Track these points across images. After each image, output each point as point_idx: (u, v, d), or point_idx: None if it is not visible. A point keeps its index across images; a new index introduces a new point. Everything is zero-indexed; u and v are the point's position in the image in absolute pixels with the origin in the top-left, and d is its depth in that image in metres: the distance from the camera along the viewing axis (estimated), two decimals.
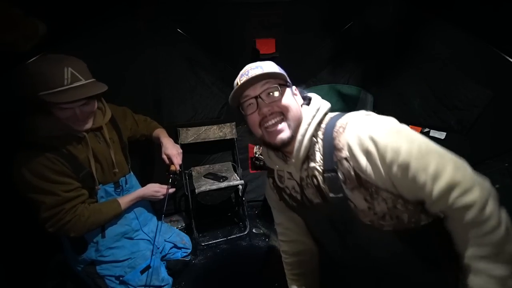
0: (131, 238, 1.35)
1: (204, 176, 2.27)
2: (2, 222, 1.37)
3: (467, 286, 0.65)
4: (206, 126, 2.33)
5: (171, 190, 1.40)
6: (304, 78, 2.42)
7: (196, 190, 2.00)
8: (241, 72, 0.88)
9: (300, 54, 2.30)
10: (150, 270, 1.30)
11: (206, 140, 2.34)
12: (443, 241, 0.77)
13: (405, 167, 0.65)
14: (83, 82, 1.01)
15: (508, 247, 0.60)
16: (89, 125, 1.11)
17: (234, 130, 2.40)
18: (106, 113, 1.24)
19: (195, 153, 2.41)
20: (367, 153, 0.70)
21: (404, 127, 0.72)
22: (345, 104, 2.41)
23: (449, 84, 1.71)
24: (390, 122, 0.74)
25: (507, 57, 1.39)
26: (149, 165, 2.20)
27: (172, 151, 1.44)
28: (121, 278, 1.26)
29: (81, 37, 1.60)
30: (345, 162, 0.75)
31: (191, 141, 2.29)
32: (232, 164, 2.46)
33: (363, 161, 0.71)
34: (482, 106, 1.53)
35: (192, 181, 2.21)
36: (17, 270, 1.44)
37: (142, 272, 1.28)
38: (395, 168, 0.67)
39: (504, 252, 0.60)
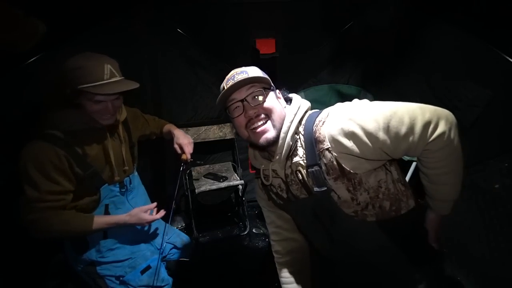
0: (131, 239, 1.34)
1: (204, 176, 2.27)
2: (2, 222, 1.37)
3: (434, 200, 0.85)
4: (206, 126, 2.33)
5: (160, 215, 1.30)
6: (304, 78, 2.42)
7: (196, 190, 2.00)
8: (227, 77, 0.93)
9: (300, 54, 2.30)
10: (150, 270, 1.30)
11: (206, 140, 2.34)
12: (421, 233, 0.89)
13: (388, 129, 0.74)
14: (118, 78, 1.10)
15: (461, 161, 0.80)
16: (113, 119, 1.18)
17: (234, 130, 2.40)
18: (122, 111, 1.29)
19: (195, 153, 2.39)
20: (352, 134, 0.76)
21: (366, 100, 0.83)
22: None
23: (449, 84, 1.71)
24: (355, 102, 0.84)
25: (507, 57, 1.39)
26: (155, 166, 2.21)
27: (184, 140, 1.47)
28: (121, 278, 1.26)
29: (81, 37, 1.60)
30: (327, 153, 0.81)
31: None
32: (232, 164, 2.46)
33: (348, 143, 0.77)
34: (482, 106, 1.53)
35: (192, 181, 2.21)
36: (18, 270, 1.44)
37: (143, 272, 1.28)
38: (381, 135, 0.74)
39: (457, 161, 0.79)
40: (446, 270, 0.96)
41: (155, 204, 1.30)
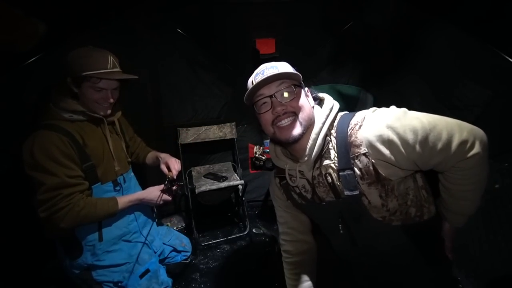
0: (128, 241, 1.32)
1: (204, 176, 2.27)
2: None
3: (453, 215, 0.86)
4: (206, 126, 2.33)
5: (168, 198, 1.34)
6: (304, 78, 2.41)
7: (196, 190, 2.00)
8: (256, 71, 0.89)
9: (300, 54, 2.30)
10: (150, 273, 1.28)
11: (206, 140, 2.34)
12: (438, 237, 0.92)
13: (425, 142, 0.74)
14: (118, 69, 1.21)
15: (485, 180, 0.81)
16: (110, 109, 1.25)
17: (234, 130, 2.40)
18: (119, 110, 1.36)
19: (195, 153, 2.41)
20: (389, 143, 0.75)
21: (405, 109, 0.80)
22: (345, 104, 2.40)
23: (449, 84, 1.71)
24: (394, 109, 0.81)
25: (507, 57, 1.39)
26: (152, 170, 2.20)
27: (170, 159, 1.46)
28: (119, 284, 1.23)
29: (81, 37, 1.60)
30: (363, 158, 0.79)
31: (191, 141, 2.29)
32: (232, 164, 2.46)
33: (386, 151, 0.76)
34: (482, 106, 1.53)
35: (192, 181, 2.21)
36: (11, 278, 1.41)
37: (141, 276, 1.26)
38: (418, 147, 0.74)
39: (483, 180, 0.81)
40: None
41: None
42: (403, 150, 0.75)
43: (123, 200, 1.23)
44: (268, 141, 2.47)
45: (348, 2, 2.17)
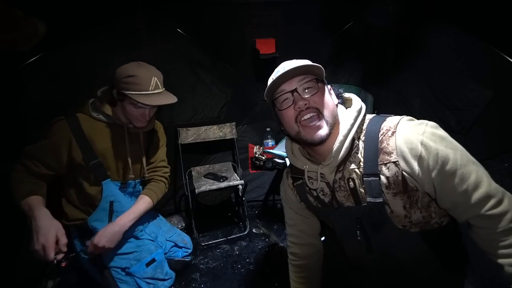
0: (136, 237, 1.38)
1: (204, 176, 2.27)
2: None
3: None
4: (206, 126, 2.33)
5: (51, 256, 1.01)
6: None
7: (196, 190, 2.00)
8: (276, 69, 0.86)
9: (300, 54, 2.28)
10: (155, 263, 1.32)
11: (206, 140, 2.34)
12: (457, 243, 0.88)
13: (450, 175, 0.70)
14: (160, 90, 1.23)
15: None
16: (146, 123, 1.29)
17: (234, 130, 2.40)
18: (151, 124, 1.38)
19: (195, 153, 2.41)
20: (419, 159, 0.72)
21: (446, 134, 0.75)
22: None
23: (449, 84, 1.71)
24: (435, 128, 0.75)
25: (507, 57, 1.39)
26: None
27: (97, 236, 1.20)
28: (127, 270, 1.28)
29: (81, 37, 1.60)
30: (393, 166, 0.75)
31: (191, 141, 2.29)
32: (232, 164, 2.47)
33: (415, 166, 0.72)
34: (482, 106, 1.52)
35: (192, 181, 2.21)
36: (15, 271, 1.43)
37: (147, 265, 1.31)
38: (441, 174, 0.70)
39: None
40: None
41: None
42: (429, 171, 0.71)
43: (28, 201, 1.08)
44: (268, 141, 2.49)
45: (348, 2, 2.18)
